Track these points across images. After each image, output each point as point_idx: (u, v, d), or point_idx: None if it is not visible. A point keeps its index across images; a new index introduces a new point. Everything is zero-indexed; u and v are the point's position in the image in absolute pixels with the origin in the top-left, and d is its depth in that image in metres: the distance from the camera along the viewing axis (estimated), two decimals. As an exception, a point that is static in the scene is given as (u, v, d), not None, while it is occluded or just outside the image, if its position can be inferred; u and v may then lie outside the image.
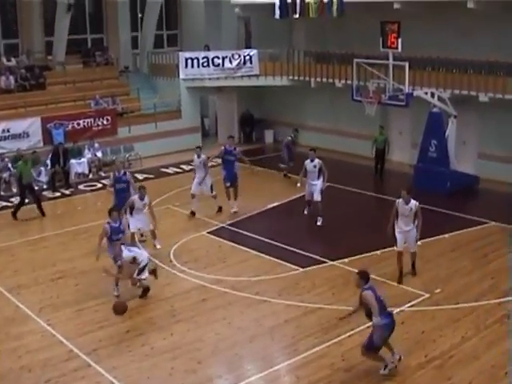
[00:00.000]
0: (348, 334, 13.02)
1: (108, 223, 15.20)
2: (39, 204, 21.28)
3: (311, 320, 13.83)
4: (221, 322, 13.89)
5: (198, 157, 20.45)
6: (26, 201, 21.35)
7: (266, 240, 18.39)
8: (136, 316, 14.24)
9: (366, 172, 25.26)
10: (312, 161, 19.45)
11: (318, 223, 19.38)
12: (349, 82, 25.13)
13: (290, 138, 25.25)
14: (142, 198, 17.29)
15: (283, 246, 17.87)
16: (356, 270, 12.04)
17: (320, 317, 13.91)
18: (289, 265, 16.66)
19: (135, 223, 17.39)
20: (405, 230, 15.26)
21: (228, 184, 20.52)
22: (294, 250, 17.57)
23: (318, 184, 19.42)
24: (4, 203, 22.76)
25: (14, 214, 20.98)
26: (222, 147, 21.18)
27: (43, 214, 21.12)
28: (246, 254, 17.56)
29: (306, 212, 20.03)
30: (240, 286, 15.49)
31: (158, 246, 17.79)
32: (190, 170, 25.21)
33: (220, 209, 20.75)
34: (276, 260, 17.00)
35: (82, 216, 21.09)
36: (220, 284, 15.67)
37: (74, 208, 22.41)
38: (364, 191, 22.97)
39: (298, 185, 20.37)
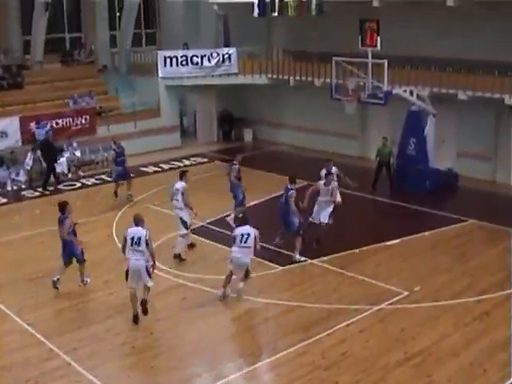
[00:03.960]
0: (327, 332, 13.03)
1: None
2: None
3: (291, 318, 13.82)
4: (201, 320, 13.84)
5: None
6: None
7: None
8: (116, 315, 14.16)
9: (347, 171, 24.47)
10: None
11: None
12: (328, 80, 24.96)
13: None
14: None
15: (262, 244, 17.72)
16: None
17: (299, 315, 13.91)
18: (268, 263, 16.67)
19: None
20: None
21: None
22: (274, 248, 17.50)
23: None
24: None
25: None
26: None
27: None
28: (225, 253, 17.43)
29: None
30: (220, 284, 15.37)
31: None
32: (169, 169, 25.24)
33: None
34: (255, 258, 16.90)
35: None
36: (200, 283, 15.62)
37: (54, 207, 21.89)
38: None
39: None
